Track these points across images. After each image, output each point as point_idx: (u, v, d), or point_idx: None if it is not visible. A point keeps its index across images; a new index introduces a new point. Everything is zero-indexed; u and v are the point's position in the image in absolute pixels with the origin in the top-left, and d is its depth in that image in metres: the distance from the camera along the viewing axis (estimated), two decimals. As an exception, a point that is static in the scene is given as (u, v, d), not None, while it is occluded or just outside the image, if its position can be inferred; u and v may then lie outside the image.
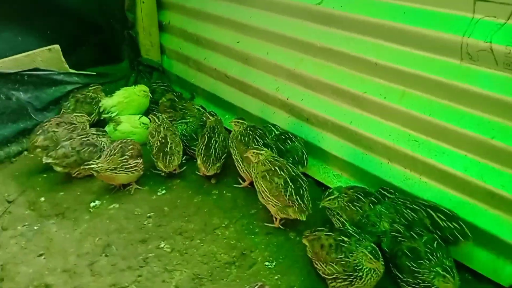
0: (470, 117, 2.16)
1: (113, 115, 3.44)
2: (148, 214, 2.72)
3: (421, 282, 1.99)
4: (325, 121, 2.85)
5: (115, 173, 2.77)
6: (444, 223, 2.14)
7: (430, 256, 1.99)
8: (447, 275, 1.91)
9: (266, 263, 2.35)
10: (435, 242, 2.07)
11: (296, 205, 2.38)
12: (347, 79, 2.68)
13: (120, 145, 2.87)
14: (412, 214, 2.22)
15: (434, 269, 1.95)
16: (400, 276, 2.09)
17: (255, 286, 1.91)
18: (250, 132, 2.81)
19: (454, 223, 2.14)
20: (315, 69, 2.86)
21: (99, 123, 3.50)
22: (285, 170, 2.46)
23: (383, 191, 2.40)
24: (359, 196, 2.32)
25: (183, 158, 3.08)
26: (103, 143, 3.06)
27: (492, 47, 2.01)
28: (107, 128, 3.36)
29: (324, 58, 2.80)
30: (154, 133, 3.01)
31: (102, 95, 3.54)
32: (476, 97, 2.13)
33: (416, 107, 2.37)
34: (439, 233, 2.13)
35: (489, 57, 2.04)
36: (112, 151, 2.81)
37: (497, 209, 2.13)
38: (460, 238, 2.12)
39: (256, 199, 2.63)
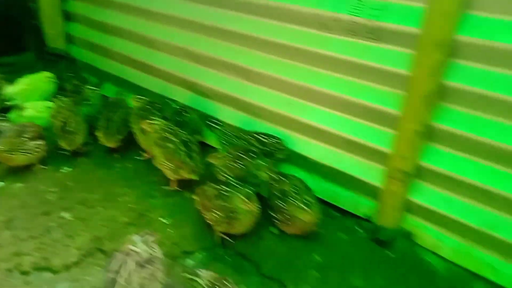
0: (330, 78, 2.61)
1: (16, 102, 3.58)
2: (52, 190, 2.93)
3: (288, 217, 2.42)
4: (220, 94, 3.23)
5: (12, 154, 2.95)
6: (266, 140, 2.82)
7: (295, 195, 2.43)
8: (306, 208, 2.36)
9: (163, 220, 2.67)
10: (301, 183, 2.51)
11: (188, 166, 2.73)
12: (236, 54, 3.07)
13: (18, 128, 3.06)
14: (241, 139, 2.89)
15: (298, 205, 2.39)
16: (273, 215, 2.51)
17: (144, 234, 2.21)
18: (149, 107, 3.13)
19: (273, 138, 2.79)
20: (209, 47, 3.22)
21: (5, 111, 3.62)
22: (177, 136, 2.79)
23: (211, 123, 3.06)
24: (240, 154, 2.72)
25: (89, 138, 3.32)
26: (4, 127, 3.21)
27: (340, 17, 2.47)
28: (11, 115, 3.51)
29: (216, 37, 3.17)
30: (56, 114, 3.21)
31: (4, 83, 3.67)
32: (333, 61, 2.57)
33: (290, 74, 2.80)
34: (265, 147, 2.78)
35: (339, 26, 2.50)
36: (10, 133, 3.00)
37: (353, 154, 2.62)
38: (279, 149, 2.82)
39: (156, 168, 2.94)
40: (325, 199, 2.74)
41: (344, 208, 2.69)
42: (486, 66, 2.06)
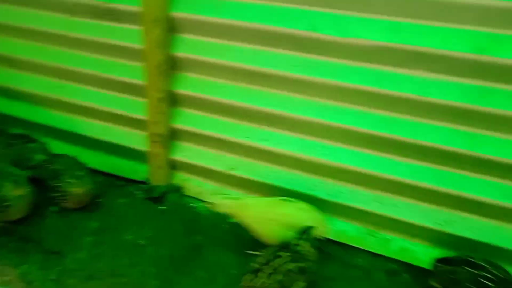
0: (85, 58, 2.81)
1: None
2: None
3: (63, 193, 2.65)
4: (24, 62, 3.10)
5: None
6: None
7: (65, 172, 2.66)
8: (76, 181, 2.62)
9: None
10: (71, 160, 2.76)
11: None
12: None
13: None
14: None
15: (69, 180, 2.64)
16: (51, 195, 2.70)
17: None
18: None
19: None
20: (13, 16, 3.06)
21: None
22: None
23: None
24: (12, 140, 2.85)
25: None
26: None
27: (80, 2, 2.69)
28: None
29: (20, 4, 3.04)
30: None
31: None
32: (83, 42, 2.78)
33: (50, 58, 2.93)
34: None
35: (81, 9, 2.71)
36: None
37: (120, 125, 2.94)
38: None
39: None
40: (109, 171, 3.02)
41: (125, 176, 3.01)
42: (203, 37, 2.50)
